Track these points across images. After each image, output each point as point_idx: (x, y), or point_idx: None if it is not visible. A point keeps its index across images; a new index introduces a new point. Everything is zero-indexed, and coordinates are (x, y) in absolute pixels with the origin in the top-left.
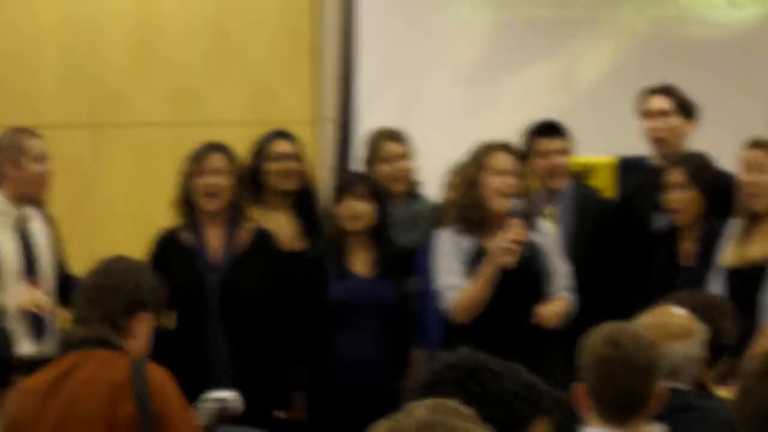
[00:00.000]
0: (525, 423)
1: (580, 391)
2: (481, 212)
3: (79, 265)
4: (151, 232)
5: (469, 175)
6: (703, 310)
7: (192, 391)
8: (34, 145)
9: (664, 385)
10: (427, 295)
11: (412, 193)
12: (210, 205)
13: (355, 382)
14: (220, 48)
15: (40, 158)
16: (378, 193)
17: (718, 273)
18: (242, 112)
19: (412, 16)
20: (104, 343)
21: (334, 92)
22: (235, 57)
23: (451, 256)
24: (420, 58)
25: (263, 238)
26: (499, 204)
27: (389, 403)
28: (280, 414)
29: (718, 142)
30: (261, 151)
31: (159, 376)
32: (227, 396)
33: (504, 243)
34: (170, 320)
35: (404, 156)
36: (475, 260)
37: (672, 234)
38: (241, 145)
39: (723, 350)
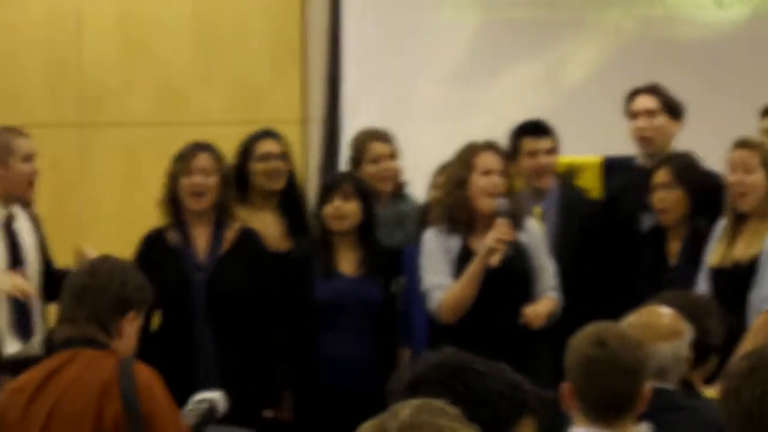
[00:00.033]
0: (510, 423)
1: (566, 391)
2: (468, 212)
3: (66, 265)
4: (138, 232)
5: (456, 174)
6: (689, 310)
7: (179, 391)
8: (21, 144)
9: (651, 384)
10: (413, 294)
11: (398, 193)
12: (196, 204)
13: (342, 382)
14: (208, 48)
15: (28, 158)
16: (365, 193)
17: (705, 273)
18: (229, 112)
19: (398, 17)
20: (91, 343)
21: (321, 92)
22: (223, 57)
23: (438, 255)
24: (406, 58)
25: (249, 238)
26: (486, 204)
27: (375, 403)
28: (267, 413)
29: (705, 141)
30: (247, 150)
31: (146, 375)
32: (214, 397)
33: (490, 243)
34: (157, 320)
35: (391, 156)
36: (461, 260)
37: (658, 234)
38: (228, 145)
39: (709, 350)
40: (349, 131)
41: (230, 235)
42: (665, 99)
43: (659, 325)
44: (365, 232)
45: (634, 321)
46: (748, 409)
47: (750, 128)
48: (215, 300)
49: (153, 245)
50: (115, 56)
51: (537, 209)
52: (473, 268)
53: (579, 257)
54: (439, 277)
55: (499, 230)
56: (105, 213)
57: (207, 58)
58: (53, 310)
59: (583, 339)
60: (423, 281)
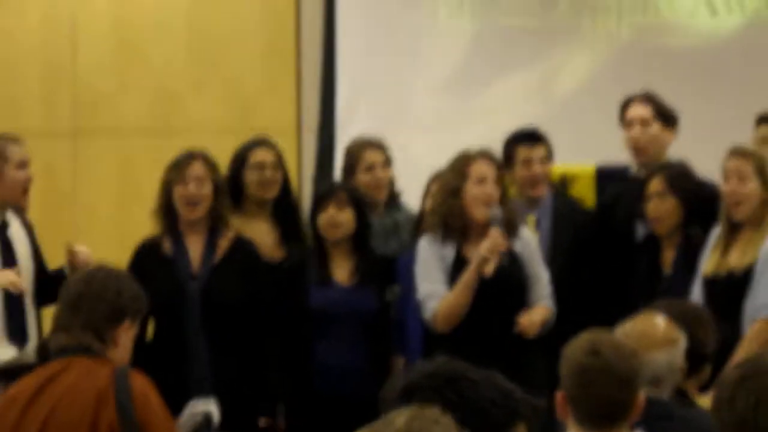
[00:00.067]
0: (502, 430)
1: (560, 399)
2: (462, 220)
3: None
4: (132, 240)
5: (450, 183)
6: (683, 319)
7: (173, 399)
8: (15, 151)
9: (645, 393)
10: (407, 303)
11: (392, 201)
12: (191, 213)
13: (336, 390)
14: (202, 56)
15: (22, 164)
16: (359, 201)
17: (699, 282)
18: (223, 121)
19: (392, 25)
20: (87, 351)
21: (315, 101)
22: (217, 65)
23: (432, 264)
24: (401, 67)
25: (244, 247)
26: (480, 212)
27: (369, 411)
28: (262, 422)
29: (699, 150)
30: (241, 159)
31: (142, 384)
32: (209, 408)
33: (484, 252)
34: (151, 329)
35: (384, 164)
36: (456, 268)
37: (652, 243)
38: (223, 154)
39: (703, 359)
40: (343, 140)
41: (224, 243)
42: (659, 107)
43: (654, 334)
44: (359, 241)
45: (628, 329)
46: (741, 418)
47: (744, 137)
48: (209, 309)
49: (147, 254)
50: (110, 63)
51: (531, 218)
52: (467, 277)
53: (573, 266)
54: (434, 286)
55: (493, 239)
56: (99, 220)
57: (201, 65)
58: (48, 316)
59: (577, 348)
60: (417, 290)
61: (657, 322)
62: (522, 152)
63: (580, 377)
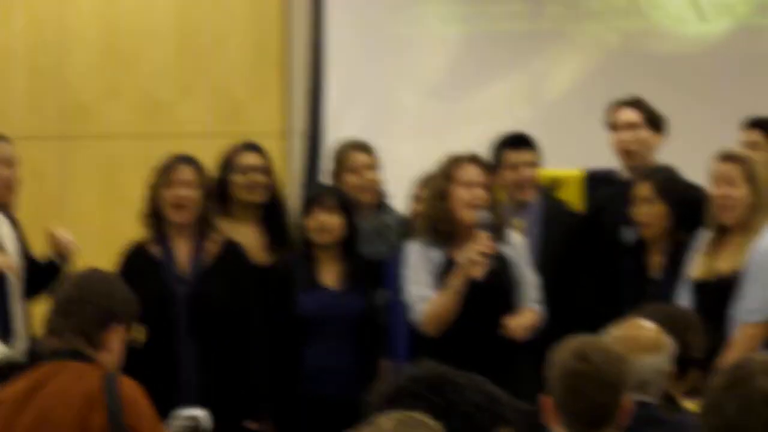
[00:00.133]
0: None
1: (547, 404)
2: (450, 224)
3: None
4: (120, 244)
5: (438, 187)
6: (671, 323)
7: (162, 404)
8: (1, 149)
9: (632, 398)
10: (395, 306)
11: (380, 204)
12: (178, 217)
13: (324, 392)
14: (189, 60)
15: (8, 162)
16: (347, 206)
17: (686, 286)
18: (211, 125)
19: (380, 29)
20: (77, 355)
21: (303, 105)
22: (204, 69)
23: (421, 267)
24: (389, 71)
25: (232, 251)
26: (468, 216)
27: (358, 414)
28: (250, 425)
29: (687, 154)
30: (228, 163)
31: (131, 389)
32: (198, 414)
33: (472, 255)
34: (140, 333)
35: (372, 167)
36: (444, 272)
37: (640, 247)
38: (210, 158)
39: (691, 364)
40: (331, 144)
41: (212, 247)
42: (647, 112)
43: (642, 338)
44: (348, 245)
45: (616, 334)
46: (729, 424)
47: (732, 141)
48: (198, 313)
49: (135, 258)
50: (96, 69)
51: (519, 222)
52: (455, 281)
53: (561, 270)
54: (422, 289)
55: (480, 243)
56: (86, 224)
57: (189, 70)
58: (38, 316)
59: (564, 352)
60: (406, 293)
61: (645, 327)
62: (510, 156)
63: (568, 381)
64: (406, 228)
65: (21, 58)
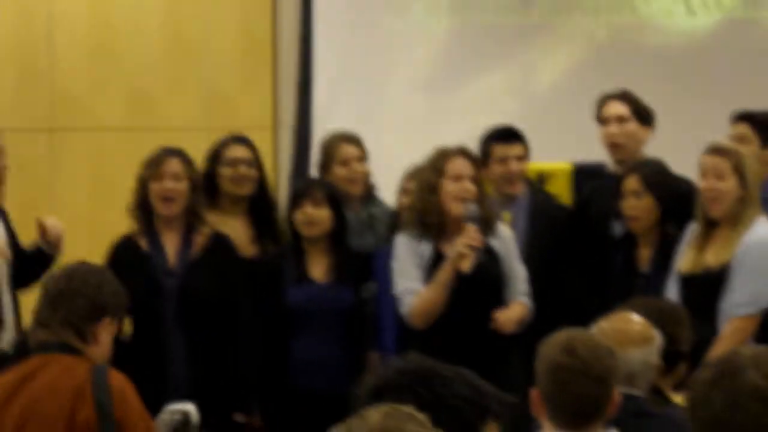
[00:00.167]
0: (474, 428)
1: (535, 397)
2: (439, 217)
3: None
4: (108, 237)
5: (427, 180)
6: (658, 317)
7: (151, 397)
8: None
9: (620, 391)
10: (383, 299)
11: (369, 196)
12: (167, 209)
13: (313, 386)
14: (178, 53)
15: None
16: (336, 199)
17: (675, 279)
18: (199, 118)
19: (369, 23)
20: (66, 348)
21: (292, 98)
22: (193, 62)
23: (409, 260)
24: (377, 64)
25: (220, 243)
26: (457, 209)
27: (346, 407)
28: (239, 418)
29: (676, 148)
30: (217, 155)
31: (120, 382)
32: (187, 408)
33: (460, 248)
34: (128, 326)
35: (361, 159)
36: (433, 265)
37: (629, 241)
38: (199, 151)
39: (679, 357)
40: (320, 137)
41: (201, 240)
42: (636, 105)
43: (630, 331)
44: (336, 239)
45: (605, 327)
46: (717, 417)
47: (721, 134)
48: (186, 305)
49: (123, 251)
50: (85, 62)
51: (507, 215)
52: (443, 273)
53: (549, 263)
54: (411, 282)
55: (468, 236)
56: (74, 218)
57: (178, 64)
58: (27, 307)
59: (553, 346)
60: (395, 286)
61: (633, 320)
62: (498, 150)
63: (556, 375)
64: (394, 220)
65: (10, 51)
